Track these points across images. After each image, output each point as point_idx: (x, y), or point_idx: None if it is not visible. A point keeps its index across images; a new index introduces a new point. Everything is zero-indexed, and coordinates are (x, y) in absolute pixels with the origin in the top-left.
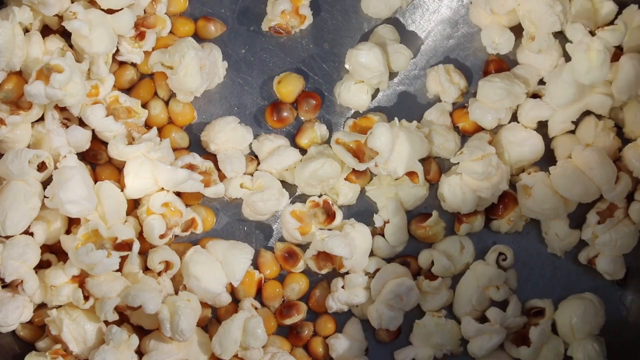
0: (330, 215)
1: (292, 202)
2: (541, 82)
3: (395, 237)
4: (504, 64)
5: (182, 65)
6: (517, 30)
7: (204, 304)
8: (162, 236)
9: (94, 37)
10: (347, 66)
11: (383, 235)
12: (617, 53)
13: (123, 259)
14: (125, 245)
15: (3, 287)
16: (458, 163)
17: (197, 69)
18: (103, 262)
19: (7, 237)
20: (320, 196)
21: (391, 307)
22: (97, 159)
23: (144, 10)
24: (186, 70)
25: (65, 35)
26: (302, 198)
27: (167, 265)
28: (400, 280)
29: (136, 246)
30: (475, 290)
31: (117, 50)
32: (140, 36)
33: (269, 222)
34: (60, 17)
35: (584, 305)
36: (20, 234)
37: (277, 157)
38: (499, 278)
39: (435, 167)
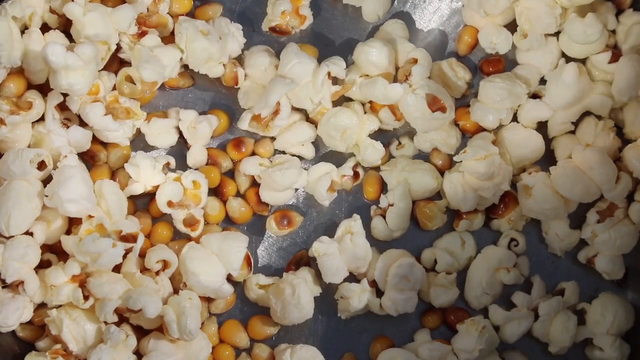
0: (355, 175)
1: None
2: (542, 81)
3: (396, 222)
4: (499, 63)
5: (182, 40)
6: (513, 26)
7: (203, 299)
8: (170, 204)
9: (86, 21)
10: (353, 57)
11: (384, 217)
12: (616, 54)
13: (123, 259)
14: (130, 237)
15: (3, 287)
16: (461, 161)
17: (198, 35)
18: (109, 251)
19: (8, 237)
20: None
21: (401, 291)
22: (94, 160)
23: (147, 9)
24: (187, 42)
25: (66, 35)
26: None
27: (165, 264)
28: (399, 262)
29: (141, 238)
30: (486, 272)
31: (120, 49)
32: (142, 35)
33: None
34: (60, 16)
35: (620, 303)
36: (21, 234)
37: (293, 133)
38: (509, 260)
39: (445, 156)
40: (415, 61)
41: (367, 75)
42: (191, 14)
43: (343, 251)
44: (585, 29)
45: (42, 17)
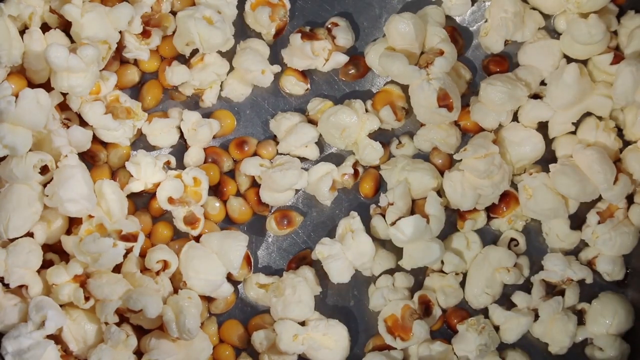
0: (355, 173)
1: None
2: (542, 82)
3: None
4: (504, 63)
5: (193, 34)
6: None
7: (203, 299)
8: (170, 200)
9: (85, 22)
10: (384, 28)
11: (384, 216)
12: (619, 56)
13: (124, 258)
14: (131, 237)
15: (6, 291)
16: (461, 160)
17: (205, 26)
18: (109, 251)
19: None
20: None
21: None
22: (95, 160)
23: (151, 8)
24: (200, 34)
25: (66, 34)
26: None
27: (165, 264)
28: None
29: (141, 238)
30: (486, 272)
31: (124, 47)
32: (146, 34)
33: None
34: (60, 15)
35: (620, 303)
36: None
37: (296, 135)
38: (509, 260)
39: (445, 156)
40: (442, 53)
41: (393, 49)
42: None
43: (347, 250)
44: (589, 29)
45: (42, 17)
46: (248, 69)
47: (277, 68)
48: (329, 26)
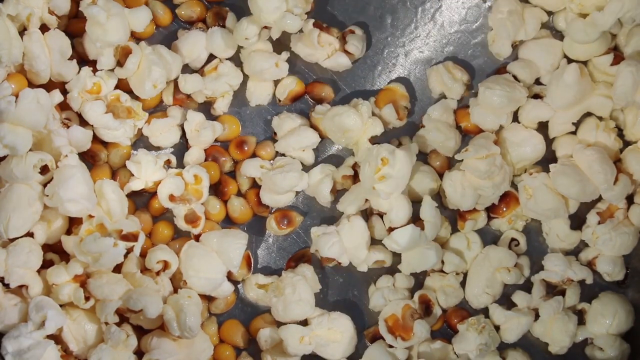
0: (355, 174)
1: None
2: (542, 83)
3: (394, 222)
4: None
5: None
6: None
7: (203, 299)
8: (171, 198)
9: (109, 27)
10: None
11: (382, 217)
12: (619, 56)
13: (124, 258)
14: (131, 237)
15: (6, 291)
16: (462, 160)
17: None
18: (110, 251)
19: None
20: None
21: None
22: (95, 159)
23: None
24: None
25: (66, 34)
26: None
27: (165, 264)
28: None
29: (142, 237)
30: (486, 272)
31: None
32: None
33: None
34: (58, 16)
35: (620, 303)
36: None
37: (296, 137)
38: (509, 260)
39: (443, 158)
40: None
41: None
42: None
43: (341, 231)
44: (586, 28)
45: (41, 18)
46: (261, 68)
47: (285, 55)
48: (346, 31)
